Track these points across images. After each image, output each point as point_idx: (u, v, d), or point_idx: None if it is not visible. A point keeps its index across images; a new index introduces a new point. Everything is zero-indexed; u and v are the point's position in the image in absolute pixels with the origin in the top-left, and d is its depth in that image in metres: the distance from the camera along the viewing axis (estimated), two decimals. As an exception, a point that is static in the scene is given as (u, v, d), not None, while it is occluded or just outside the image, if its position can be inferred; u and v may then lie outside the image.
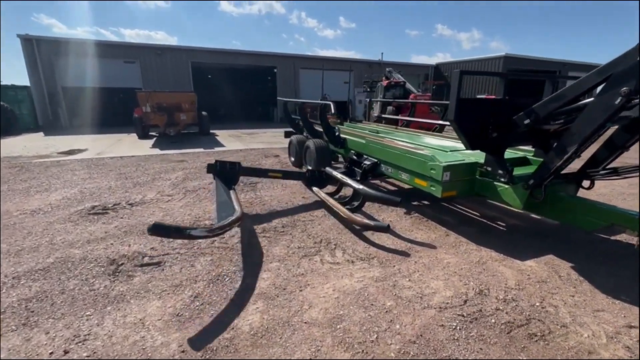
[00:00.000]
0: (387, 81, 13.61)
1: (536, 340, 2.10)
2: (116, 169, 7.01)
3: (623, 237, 3.63)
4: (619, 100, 2.44)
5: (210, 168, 4.56)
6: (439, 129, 6.77)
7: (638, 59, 2.32)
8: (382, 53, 42.43)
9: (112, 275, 2.80)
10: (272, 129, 16.01)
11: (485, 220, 4.26)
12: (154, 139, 12.03)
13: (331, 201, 4.25)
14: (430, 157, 3.74)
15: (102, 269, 2.90)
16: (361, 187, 4.12)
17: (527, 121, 3.25)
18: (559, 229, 4.00)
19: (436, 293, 2.60)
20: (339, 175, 4.73)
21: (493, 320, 2.28)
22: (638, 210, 2.77)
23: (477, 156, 3.90)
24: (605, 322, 2.28)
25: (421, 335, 2.13)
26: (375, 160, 4.82)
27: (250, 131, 15.27)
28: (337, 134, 5.58)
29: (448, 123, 8.70)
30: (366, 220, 3.72)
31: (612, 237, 3.67)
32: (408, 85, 13.58)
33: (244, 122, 19.86)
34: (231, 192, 4.01)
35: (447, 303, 2.46)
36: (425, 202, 4.85)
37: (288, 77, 21.56)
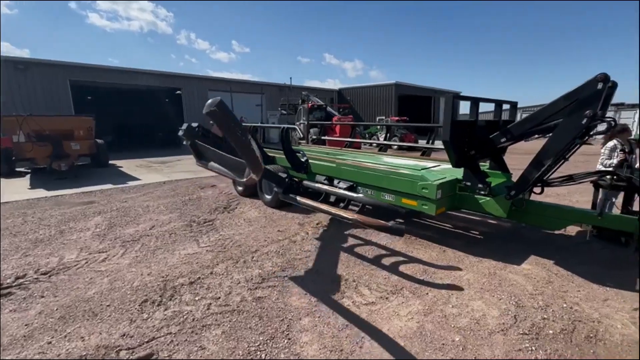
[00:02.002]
0: (310, 104, 13.98)
1: (595, 343, 2.25)
2: (-13, 223, 4.95)
3: (563, 231, 4.41)
4: (585, 120, 2.95)
5: (189, 132, 3.57)
6: (384, 149, 7.18)
7: (597, 87, 2.87)
8: (290, 78, 44.11)
9: (81, 396, 1.81)
10: (186, 156, 14.26)
11: (461, 231, 4.59)
12: (27, 176, 9.17)
13: (325, 207, 3.87)
14: (420, 176, 3.83)
15: (56, 389, 1.86)
16: (360, 195, 3.91)
17: (503, 139, 3.69)
18: (514, 230, 4.60)
19: (485, 315, 2.56)
20: (326, 187, 4.40)
21: (551, 332, 2.35)
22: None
23: (453, 172, 4.20)
24: (620, 310, 2.63)
25: (511, 367, 2.03)
26: (351, 183, 4.70)
27: (160, 160, 13.27)
28: (304, 159, 5.27)
29: (393, 143, 9.49)
30: (382, 221, 3.31)
31: (556, 232, 4.42)
32: (329, 108, 14.27)
33: (144, 149, 17.13)
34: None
35: (503, 323, 2.45)
36: (399, 220, 4.94)
37: (195, 99, 19.90)
